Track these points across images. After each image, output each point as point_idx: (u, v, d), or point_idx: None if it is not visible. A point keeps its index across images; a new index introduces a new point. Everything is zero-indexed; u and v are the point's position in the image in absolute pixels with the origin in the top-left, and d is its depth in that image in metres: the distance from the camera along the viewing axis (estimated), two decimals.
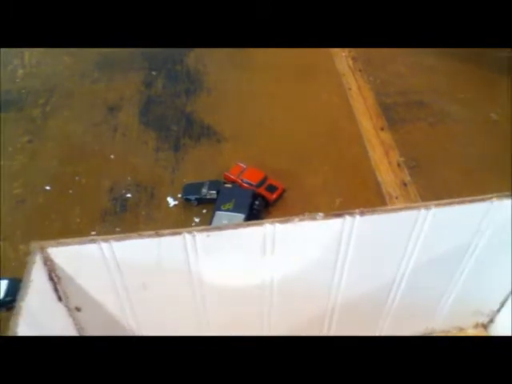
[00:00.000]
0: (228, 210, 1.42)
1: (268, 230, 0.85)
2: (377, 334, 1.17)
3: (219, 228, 0.85)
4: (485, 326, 1.21)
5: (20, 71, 2.18)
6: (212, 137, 1.85)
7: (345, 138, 1.82)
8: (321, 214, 0.86)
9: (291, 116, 1.93)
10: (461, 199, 0.87)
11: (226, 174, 1.61)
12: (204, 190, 1.54)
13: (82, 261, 0.85)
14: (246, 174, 1.59)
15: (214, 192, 1.53)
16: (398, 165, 1.67)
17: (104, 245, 0.83)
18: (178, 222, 1.53)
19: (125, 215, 1.55)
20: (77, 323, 0.98)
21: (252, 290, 0.96)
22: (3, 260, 1.45)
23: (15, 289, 1.32)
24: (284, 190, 1.59)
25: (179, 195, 1.60)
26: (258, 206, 1.47)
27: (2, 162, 1.72)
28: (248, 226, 0.86)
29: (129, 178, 1.68)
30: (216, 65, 2.23)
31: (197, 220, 1.53)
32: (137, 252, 0.86)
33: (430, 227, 0.90)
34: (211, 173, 1.69)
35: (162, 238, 0.84)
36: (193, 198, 1.55)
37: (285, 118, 1.92)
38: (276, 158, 1.74)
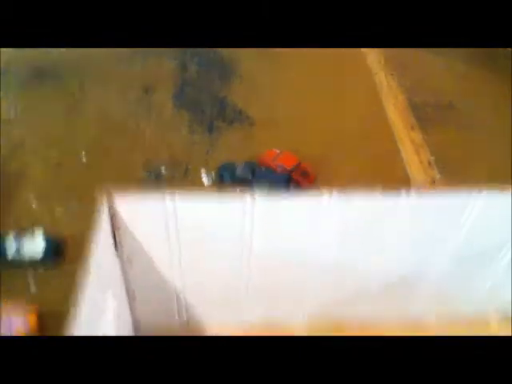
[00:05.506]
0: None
1: (325, 200, 0.88)
2: (404, 317, 1.20)
3: (279, 195, 0.87)
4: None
5: None
6: (245, 121, 1.88)
7: (376, 134, 1.85)
8: (379, 189, 0.89)
9: (322, 108, 1.96)
10: None
11: (261, 157, 1.64)
12: (239, 171, 1.57)
13: (144, 212, 0.87)
14: (280, 158, 1.62)
15: (249, 173, 1.55)
16: (429, 163, 1.70)
17: (168, 198, 0.85)
18: None
19: (159, 189, 1.57)
20: (126, 277, 1.00)
21: (297, 257, 0.98)
22: (38, 219, 1.48)
23: (52, 248, 1.35)
24: (316, 177, 1.61)
25: (213, 174, 1.63)
26: (293, 190, 1.50)
27: (39, 128, 1.75)
28: (310, 195, 0.88)
29: (163, 154, 1.70)
30: (248, 54, 2.26)
31: None
32: (197, 208, 0.88)
33: (477, 210, 0.92)
34: (244, 156, 1.72)
35: (225, 198, 0.87)
36: (228, 177, 1.57)
37: (316, 109, 1.95)
38: (307, 147, 1.76)
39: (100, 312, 0.85)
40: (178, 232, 0.91)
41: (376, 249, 0.98)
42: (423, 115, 1.95)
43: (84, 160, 1.65)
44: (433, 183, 1.65)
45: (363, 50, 2.30)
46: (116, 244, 0.91)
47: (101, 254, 0.81)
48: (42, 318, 1.20)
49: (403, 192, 0.88)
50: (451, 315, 1.22)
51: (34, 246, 1.31)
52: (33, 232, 1.38)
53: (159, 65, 2.18)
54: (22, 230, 1.39)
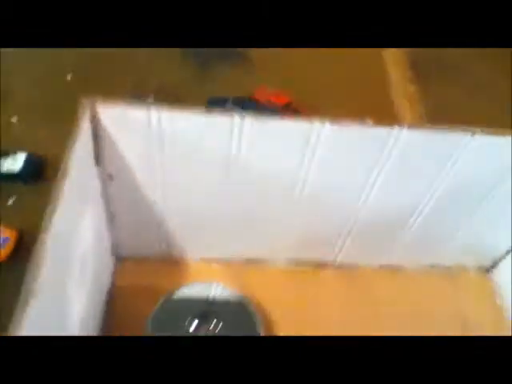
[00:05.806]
0: None
1: (316, 128, 0.86)
2: (384, 262, 1.21)
3: (268, 117, 0.85)
4: (487, 270, 1.26)
5: None
6: (240, 58, 1.82)
7: (372, 83, 1.81)
8: (370, 122, 0.87)
9: (322, 52, 1.90)
10: None
11: (252, 94, 1.60)
12: (228, 105, 1.53)
13: (128, 124, 0.84)
14: (272, 96, 1.59)
15: (239, 108, 1.52)
16: (421, 118, 1.69)
17: (153, 112, 0.82)
18: None
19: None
20: (105, 195, 0.98)
21: (282, 187, 0.98)
22: (19, 137, 1.44)
23: (32, 164, 1.31)
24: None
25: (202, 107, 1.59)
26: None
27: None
28: (297, 120, 0.86)
29: (153, 82, 1.65)
30: None
31: None
32: (182, 126, 0.85)
33: (468, 155, 0.92)
34: (236, 92, 1.67)
35: (212, 116, 0.84)
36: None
37: (315, 52, 1.89)
38: (301, 88, 1.72)
39: (78, 230, 0.83)
40: (162, 149, 0.89)
41: (362, 185, 0.98)
42: (424, 71, 1.91)
43: (69, 80, 1.59)
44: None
45: None
46: (97, 158, 0.88)
47: (80, 167, 0.78)
48: (21, 235, 1.19)
49: (394, 127, 0.86)
50: (430, 263, 1.24)
51: (14, 160, 1.28)
52: (14, 148, 1.35)
53: None
54: (3, 147, 1.35)
